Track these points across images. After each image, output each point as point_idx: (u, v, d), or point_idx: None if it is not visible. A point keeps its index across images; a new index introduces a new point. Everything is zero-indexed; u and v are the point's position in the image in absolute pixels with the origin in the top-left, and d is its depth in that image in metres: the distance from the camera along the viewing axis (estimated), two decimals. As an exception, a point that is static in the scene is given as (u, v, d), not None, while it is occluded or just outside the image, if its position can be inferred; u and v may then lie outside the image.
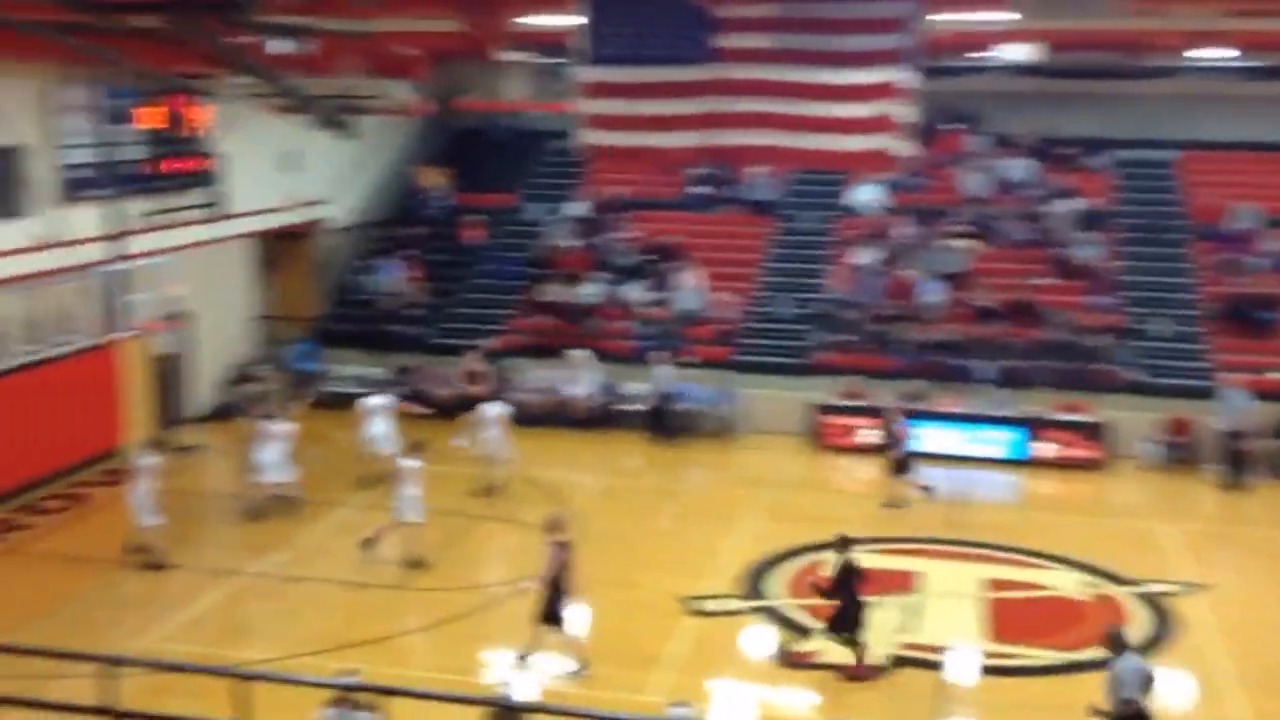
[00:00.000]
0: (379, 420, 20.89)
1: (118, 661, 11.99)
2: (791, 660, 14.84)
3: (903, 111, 16.36)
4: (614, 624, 15.91)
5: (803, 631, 15.62)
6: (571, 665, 14.43)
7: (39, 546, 18.44)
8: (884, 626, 15.49)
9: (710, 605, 16.34)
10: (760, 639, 15.59)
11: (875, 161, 17.39)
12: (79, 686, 12.04)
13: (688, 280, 26.22)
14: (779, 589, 16.96)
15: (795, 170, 27.92)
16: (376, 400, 21.23)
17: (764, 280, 27.02)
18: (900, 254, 26.31)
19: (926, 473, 20.76)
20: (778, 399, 24.21)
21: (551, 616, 14.41)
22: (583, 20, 16.84)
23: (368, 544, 17.75)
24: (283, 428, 19.62)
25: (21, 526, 19.06)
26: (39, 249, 19.90)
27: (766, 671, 14.79)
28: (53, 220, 19.76)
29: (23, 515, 19.42)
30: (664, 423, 23.97)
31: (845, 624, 14.38)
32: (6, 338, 19.90)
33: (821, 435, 23.60)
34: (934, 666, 14.70)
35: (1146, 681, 11.65)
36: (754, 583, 17.16)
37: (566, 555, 14.51)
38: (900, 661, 14.86)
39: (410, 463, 17.68)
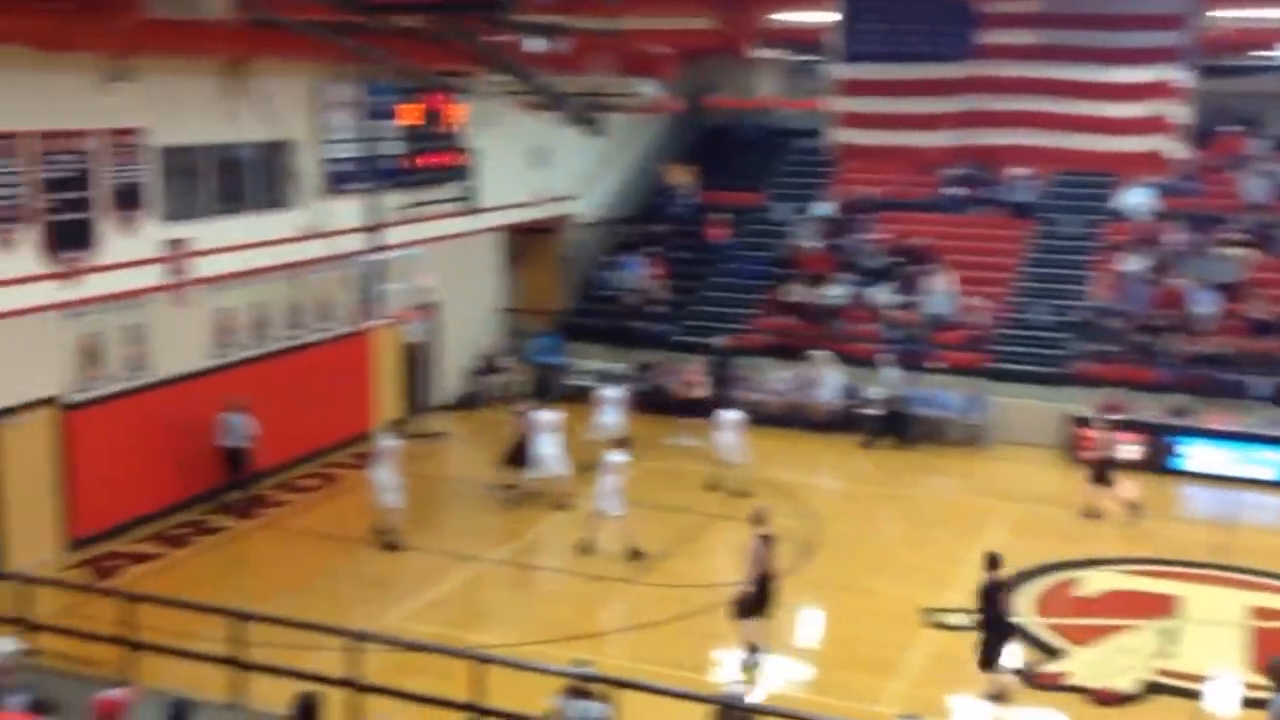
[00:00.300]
0: (610, 411, 21.23)
1: (363, 637, 12.41)
2: (1037, 680, 14.20)
3: (1178, 112, 15.50)
4: (850, 630, 15.60)
5: (1049, 651, 14.95)
6: (762, 658, 14.44)
7: (295, 523, 19.16)
8: (1140, 651, 14.75)
9: (951, 618, 15.76)
10: (1003, 656, 14.97)
11: (1147, 164, 16.53)
12: (328, 659, 12.47)
13: (938, 284, 25.51)
14: (1024, 606, 16.24)
15: (1059, 171, 26.91)
16: (611, 392, 21.59)
17: (1020, 285, 26.06)
18: (1170, 261, 25.01)
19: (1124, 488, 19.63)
20: (1031, 409, 23.25)
21: (753, 608, 14.41)
22: (837, 16, 16.51)
23: (583, 546, 17.81)
24: (551, 417, 19.64)
25: (280, 503, 19.84)
26: (302, 239, 20.71)
27: (1009, 690, 14.18)
28: (316, 211, 20.49)
29: (281, 492, 20.20)
30: (896, 426, 23.39)
31: (993, 645, 13.69)
32: (270, 323, 20.73)
33: (1078, 449, 22.55)
34: (1192, 695, 13.91)
35: None
36: (999, 597, 16.51)
37: (769, 549, 14.49)
38: (1156, 688, 14.06)
39: (615, 457, 17.75)
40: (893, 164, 25.32)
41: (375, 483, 18.10)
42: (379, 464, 18.16)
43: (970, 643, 14.16)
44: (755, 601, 14.43)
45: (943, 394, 23.64)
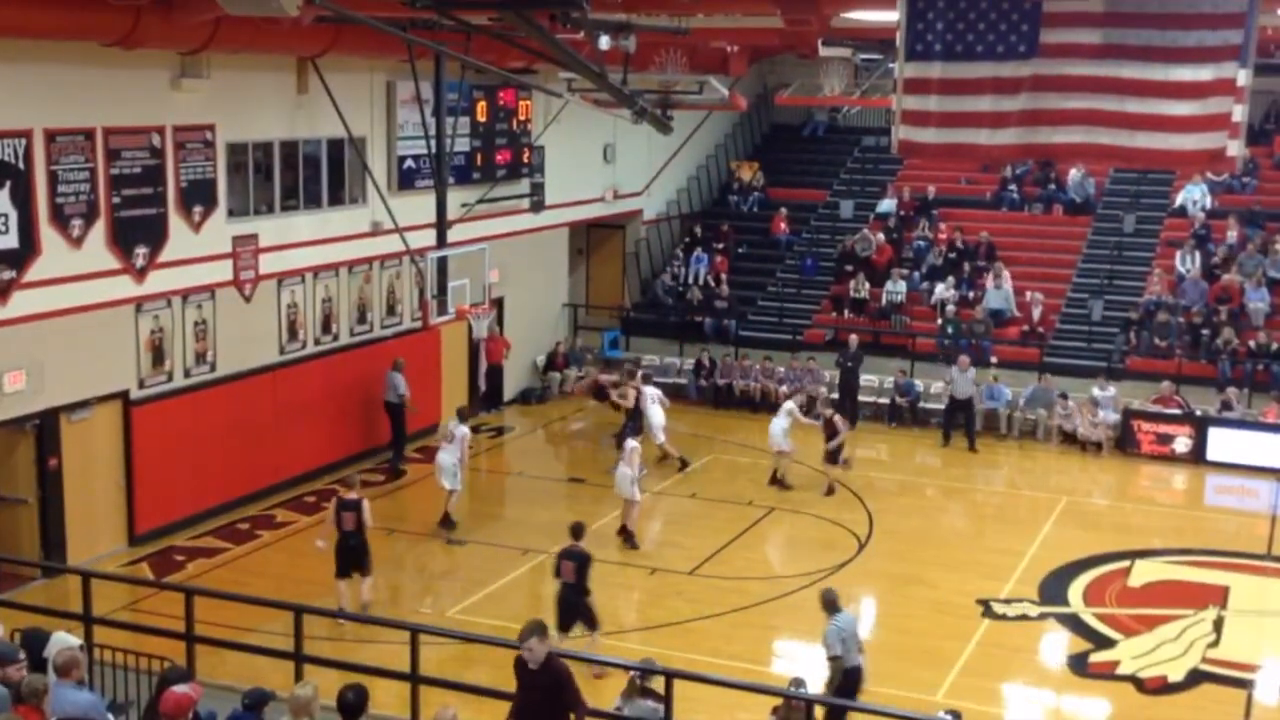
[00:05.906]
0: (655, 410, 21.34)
1: (423, 630, 12.58)
2: (1087, 670, 14.35)
3: (1239, 110, 15.53)
4: (908, 622, 15.77)
5: (1099, 641, 15.15)
6: None
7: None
8: (1188, 640, 14.93)
9: (1005, 609, 15.92)
10: (1055, 646, 15.13)
11: (1208, 161, 16.58)
12: (388, 651, 12.75)
13: (997, 280, 25.56)
14: (1077, 597, 16.40)
15: (1116, 169, 26.86)
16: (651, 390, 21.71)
17: (1078, 281, 26.14)
18: (1226, 258, 25.00)
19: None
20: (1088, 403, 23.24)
21: None
22: (901, 15, 16.65)
23: (625, 537, 18.09)
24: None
25: (343, 498, 19.99)
26: (372, 235, 21.10)
27: (1061, 680, 14.33)
28: (384, 208, 20.79)
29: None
30: (963, 422, 23.43)
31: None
32: (337, 318, 20.95)
33: (1133, 441, 22.56)
34: (1240, 684, 14.00)
35: None
36: (1051, 589, 16.67)
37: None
38: (1204, 677, 14.25)
39: (631, 443, 18.35)
40: (955, 161, 25.53)
41: (438, 466, 18.35)
42: (444, 449, 18.40)
43: (1025, 634, 14.29)
44: None
45: (1001, 388, 23.68)
